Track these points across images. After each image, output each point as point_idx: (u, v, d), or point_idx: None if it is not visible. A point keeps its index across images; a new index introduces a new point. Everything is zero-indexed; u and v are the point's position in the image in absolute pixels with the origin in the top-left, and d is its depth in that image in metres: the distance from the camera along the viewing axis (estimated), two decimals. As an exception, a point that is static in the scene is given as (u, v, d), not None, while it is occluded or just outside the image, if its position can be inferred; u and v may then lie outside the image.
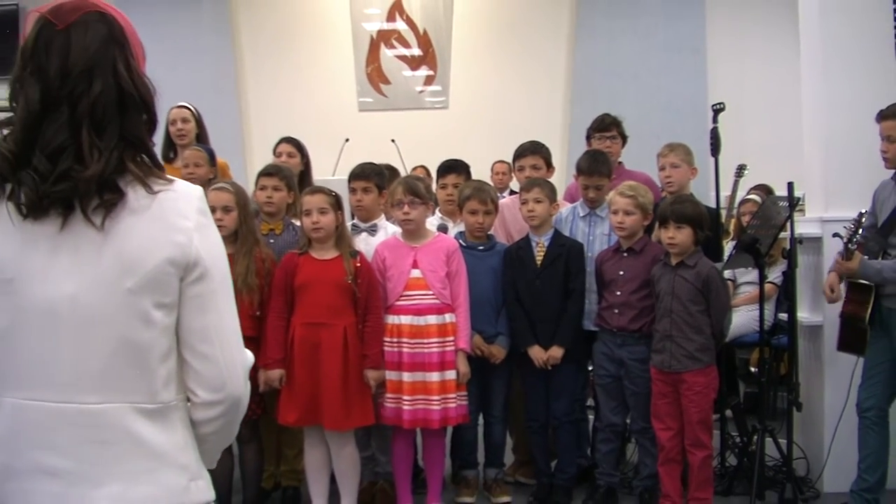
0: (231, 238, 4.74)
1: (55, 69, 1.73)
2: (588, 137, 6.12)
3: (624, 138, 6.08)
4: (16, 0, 11.18)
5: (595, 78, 10.85)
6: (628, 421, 5.28)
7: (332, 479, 5.05)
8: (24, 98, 1.74)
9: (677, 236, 4.85)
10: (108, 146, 1.73)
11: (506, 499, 5.39)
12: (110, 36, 1.78)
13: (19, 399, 1.76)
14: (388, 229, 5.35)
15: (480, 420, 5.45)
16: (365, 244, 5.16)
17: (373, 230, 5.33)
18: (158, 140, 6.00)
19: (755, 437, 5.26)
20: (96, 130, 1.73)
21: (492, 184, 6.61)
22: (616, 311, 5.11)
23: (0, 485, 1.76)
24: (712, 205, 5.76)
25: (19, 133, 1.74)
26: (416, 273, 4.97)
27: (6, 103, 1.79)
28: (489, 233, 5.39)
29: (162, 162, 6.18)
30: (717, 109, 5.70)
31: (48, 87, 1.73)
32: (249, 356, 1.94)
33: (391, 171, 6.13)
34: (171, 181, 1.82)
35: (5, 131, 1.77)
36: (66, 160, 1.70)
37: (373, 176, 5.32)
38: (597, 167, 5.45)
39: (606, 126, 6.02)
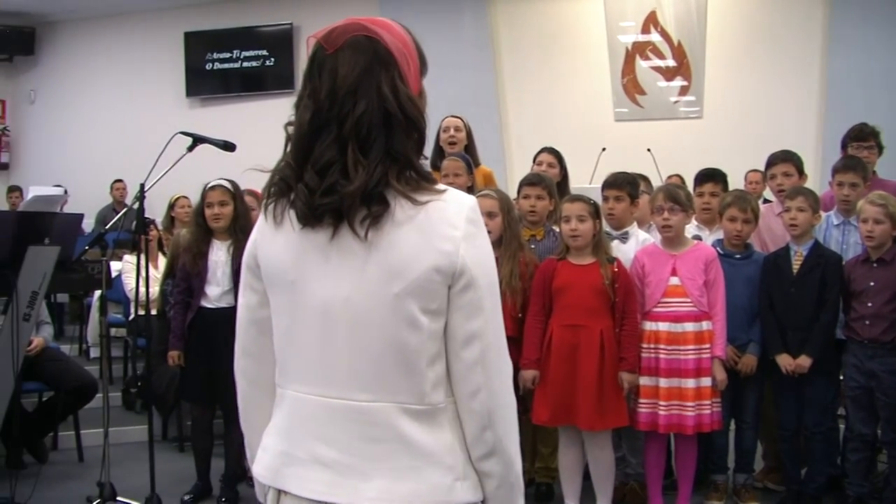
0: (496, 242, 4.78)
1: (325, 91, 1.80)
2: (844, 146, 6.08)
3: (881, 148, 6.02)
4: (289, 20, 12.06)
5: (849, 87, 10.48)
6: (879, 431, 5.16)
7: (584, 477, 5.16)
8: (299, 118, 1.84)
9: None
10: (372, 163, 1.77)
11: (754, 504, 5.40)
12: (375, 58, 1.82)
13: (299, 392, 1.89)
14: (639, 237, 5.41)
15: (731, 425, 5.44)
16: (616, 251, 5.15)
17: (624, 237, 5.38)
18: (428, 150, 6.32)
19: None
20: (361, 148, 1.77)
21: (747, 193, 6.57)
22: (867, 322, 5.01)
23: (280, 469, 1.91)
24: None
25: (295, 150, 1.84)
26: (674, 280, 5.00)
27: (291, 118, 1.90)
28: (747, 242, 5.40)
29: (431, 171, 6.42)
30: (973, 120, 5.57)
31: (319, 107, 1.80)
32: (510, 364, 1.95)
33: (644, 181, 6.20)
34: (442, 191, 1.84)
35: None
36: (333, 175, 1.77)
37: (625, 185, 5.37)
38: (852, 164, 5.47)
39: (864, 136, 5.99)
